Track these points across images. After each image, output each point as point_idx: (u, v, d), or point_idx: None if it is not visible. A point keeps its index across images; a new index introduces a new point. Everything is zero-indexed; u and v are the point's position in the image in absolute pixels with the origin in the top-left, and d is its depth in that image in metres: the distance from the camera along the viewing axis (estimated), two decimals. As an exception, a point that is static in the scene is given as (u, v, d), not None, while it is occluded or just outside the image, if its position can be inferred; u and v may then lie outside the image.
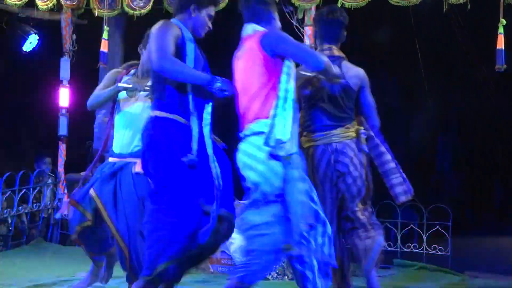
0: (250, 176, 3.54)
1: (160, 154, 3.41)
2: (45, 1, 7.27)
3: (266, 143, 3.44)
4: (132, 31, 8.22)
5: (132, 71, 4.22)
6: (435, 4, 6.24)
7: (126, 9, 7.11)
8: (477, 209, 15.00)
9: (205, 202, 3.40)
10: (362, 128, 4.11)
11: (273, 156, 3.46)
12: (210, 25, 3.68)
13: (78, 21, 7.75)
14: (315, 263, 3.51)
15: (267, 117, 3.48)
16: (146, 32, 3.97)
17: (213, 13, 3.68)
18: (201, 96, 3.49)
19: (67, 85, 7.62)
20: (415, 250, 6.55)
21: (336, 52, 4.11)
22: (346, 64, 4.09)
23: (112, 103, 4.18)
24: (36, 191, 7.39)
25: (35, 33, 8.17)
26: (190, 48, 3.49)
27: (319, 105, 4.05)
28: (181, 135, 3.43)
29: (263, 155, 3.47)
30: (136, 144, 3.97)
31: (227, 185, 3.48)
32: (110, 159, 4.13)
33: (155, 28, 3.50)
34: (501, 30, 5.82)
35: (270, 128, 3.45)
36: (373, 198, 4.17)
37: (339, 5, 6.29)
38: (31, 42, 8.22)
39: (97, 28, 7.57)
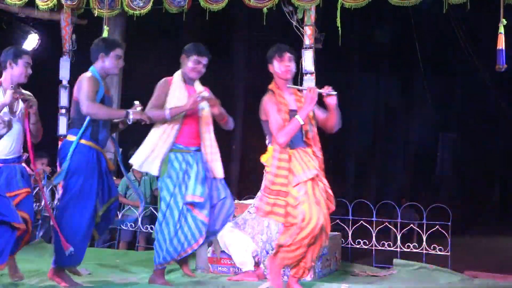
0: None
1: None
2: (45, 1, 7.25)
3: None
4: (132, 31, 8.21)
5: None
6: (435, 4, 6.23)
7: (126, 9, 7.10)
8: (477, 209, 15.01)
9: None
10: None
11: None
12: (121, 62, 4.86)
13: (78, 21, 7.73)
14: None
15: None
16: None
17: (121, 53, 4.85)
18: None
19: (67, 85, 7.61)
20: (415, 250, 6.54)
21: None
22: None
23: None
24: (36, 191, 7.37)
25: (35, 33, 8.15)
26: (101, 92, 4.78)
27: None
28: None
29: None
30: None
31: None
32: None
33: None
34: (501, 30, 5.81)
35: None
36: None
37: (339, 5, 6.27)
38: (31, 42, 8.21)
39: (97, 28, 7.56)
